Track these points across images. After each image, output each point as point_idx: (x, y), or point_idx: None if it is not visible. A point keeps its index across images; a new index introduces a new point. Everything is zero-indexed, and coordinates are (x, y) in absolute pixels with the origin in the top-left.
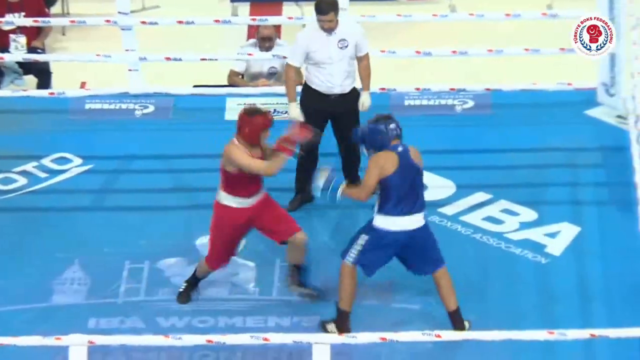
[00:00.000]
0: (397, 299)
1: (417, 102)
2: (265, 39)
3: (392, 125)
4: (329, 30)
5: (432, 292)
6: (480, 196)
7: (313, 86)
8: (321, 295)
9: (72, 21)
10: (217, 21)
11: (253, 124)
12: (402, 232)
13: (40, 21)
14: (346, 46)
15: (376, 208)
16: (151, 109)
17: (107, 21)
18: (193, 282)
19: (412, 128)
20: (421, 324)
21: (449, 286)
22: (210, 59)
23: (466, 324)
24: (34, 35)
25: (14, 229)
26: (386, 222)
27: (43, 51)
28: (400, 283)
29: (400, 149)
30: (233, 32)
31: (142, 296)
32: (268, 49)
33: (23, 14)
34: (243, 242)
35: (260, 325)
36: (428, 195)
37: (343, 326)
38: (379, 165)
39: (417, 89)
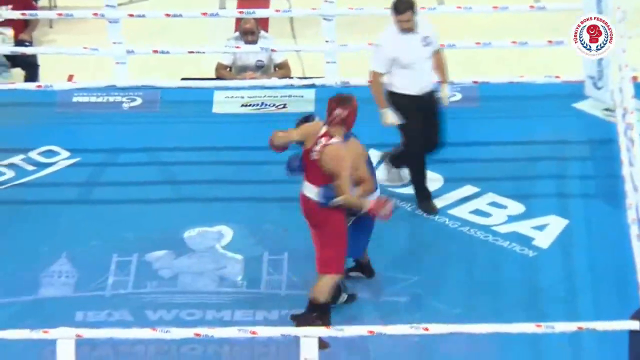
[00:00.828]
0: (385, 292)
1: None
2: (247, 33)
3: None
4: (408, 30)
5: (421, 285)
6: (467, 189)
7: (401, 90)
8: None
9: (60, 14)
10: (204, 14)
11: (354, 107)
12: None
13: (27, 14)
14: (430, 43)
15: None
16: (139, 101)
17: (95, 14)
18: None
19: None
20: (409, 317)
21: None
22: (198, 52)
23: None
24: (21, 28)
25: (1, 222)
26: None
27: (30, 44)
28: (389, 276)
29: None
30: (221, 25)
31: (130, 289)
32: (251, 42)
33: (10, 6)
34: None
35: (248, 319)
36: None
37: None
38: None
39: None
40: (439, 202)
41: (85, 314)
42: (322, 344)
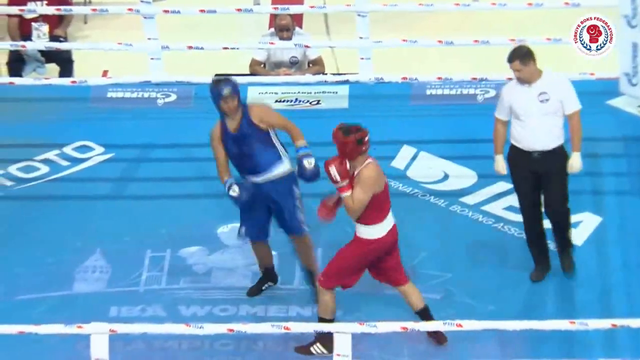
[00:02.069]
0: (419, 289)
1: (439, 92)
2: (282, 29)
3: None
4: (522, 81)
5: (454, 282)
6: (501, 185)
7: (515, 142)
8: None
9: (94, 10)
10: (238, 10)
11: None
12: None
13: (62, 9)
14: (547, 100)
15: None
16: (173, 97)
17: (129, 10)
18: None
19: (434, 117)
20: (442, 313)
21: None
22: (232, 48)
23: None
24: (56, 23)
25: (36, 217)
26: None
27: (65, 39)
28: (422, 273)
29: None
30: (255, 21)
31: (163, 284)
32: (286, 39)
33: (45, 2)
34: None
35: (281, 315)
36: (450, 185)
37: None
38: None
39: (439, 78)
40: (472, 199)
41: (119, 309)
42: (442, 338)
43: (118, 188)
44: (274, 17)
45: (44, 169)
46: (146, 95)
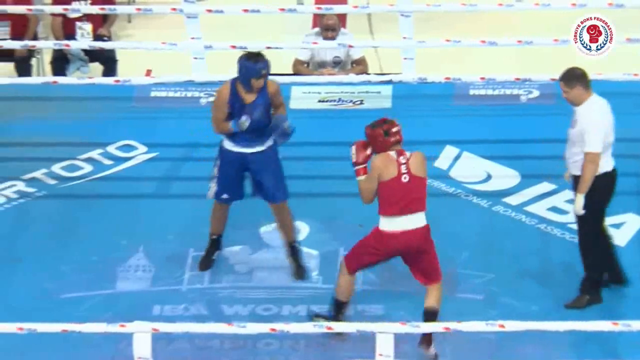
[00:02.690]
0: (461, 289)
1: (482, 92)
2: (328, 29)
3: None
4: (569, 102)
5: (497, 282)
6: (544, 186)
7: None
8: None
9: (138, 9)
10: (282, 10)
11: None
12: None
13: (106, 9)
14: (574, 126)
15: None
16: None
17: (173, 9)
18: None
19: (477, 117)
20: (485, 314)
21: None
22: (276, 48)
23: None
24: (100, 23)
25: (79, 216)
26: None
27: (109, 39)
28: (465, 273)
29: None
30: (298, 21)
31: (206, 284)
32: (331, 38)
33: (89, 1)
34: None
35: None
36: (493, 185)
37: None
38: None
39: (482, 78)
40: (515, 199)
41: (161, 308)
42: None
43: (161, 187)
44: (317, 17)
45: (87, 167)
46: (189, 94)
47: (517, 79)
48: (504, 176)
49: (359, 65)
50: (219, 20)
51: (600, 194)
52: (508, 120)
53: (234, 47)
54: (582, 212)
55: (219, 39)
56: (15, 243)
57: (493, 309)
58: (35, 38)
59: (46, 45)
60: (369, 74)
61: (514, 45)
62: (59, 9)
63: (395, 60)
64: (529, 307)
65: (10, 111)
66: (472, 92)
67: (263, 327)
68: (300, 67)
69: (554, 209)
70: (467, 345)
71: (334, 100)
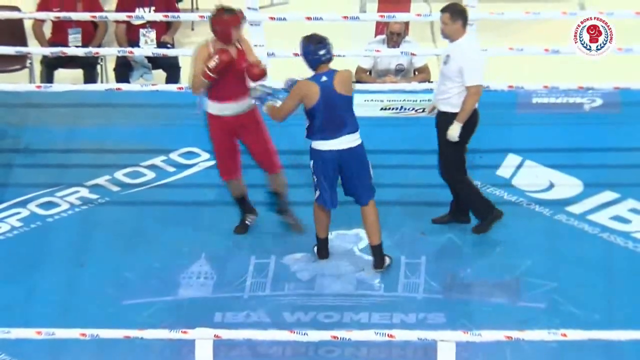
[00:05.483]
0: (523, 298)
1: (545, 100)
2: (394, 34)
3: (322, 51)
4: (443, 35)
5: (559, 291)
6: (607, 195)
7: None
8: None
9: (201, 16)
10: (345, 17)
11: (223, 22)
12: (334, 151)
13: (169, 16)
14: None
15: (305, 134)
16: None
17: None
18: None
19: (540, 126)
20: (547, 322)
21: (374, 221)
22: (338, 55)
23: (387, 259)
24: (164, 30)
25: (142, 223)
26: (317, 144)
27: (172, 46)
28: (527, 282)
29: (324, 78)
30: (361, 29)
31: (267, 291)
32: (396, 44)
33: (153, 8)
34: None
35: (385, 322)
36: (555, 194)
37: (322, 250)
38: (300, 95)
39: (545, 86)
40: (577, 208)
41: (223, 314)
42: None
43: (223, 194)
44: (380, 25)
45: (150, 174)
46: None
47: (581, 87)
48: (567, 185)
49: (422, 73)
50: (282, 27)
51: (470, 126)
52: (571, 128)
53: (296, 54)
54: (457, 138)
55: (281, 47)
56: (78, 249)
57: (556, 318)
58: (99, 45)
59: (110, 52)
60: (431, 82)
61: (577, 54)
62: (122, 16)
63: None
64: (591, 316)
65: (75, 118)
66: (535, 100)
67: (325, 335)
68: (362, 75)
69: (617, 218)
70: (529, 353)
71: (396, 108)
